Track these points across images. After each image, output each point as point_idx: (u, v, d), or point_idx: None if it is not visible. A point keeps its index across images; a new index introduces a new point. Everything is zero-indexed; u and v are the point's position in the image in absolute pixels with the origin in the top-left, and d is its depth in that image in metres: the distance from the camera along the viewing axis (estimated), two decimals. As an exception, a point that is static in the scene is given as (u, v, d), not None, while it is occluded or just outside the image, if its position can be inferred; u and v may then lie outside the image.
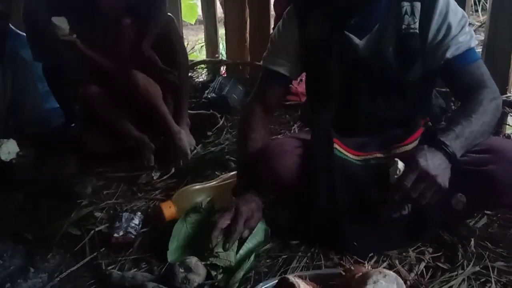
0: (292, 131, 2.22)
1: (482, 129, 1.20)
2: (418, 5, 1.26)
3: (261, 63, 1.51)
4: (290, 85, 1.56)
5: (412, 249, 1.26)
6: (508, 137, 1.92)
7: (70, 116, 2.22)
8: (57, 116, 2.23)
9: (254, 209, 1.28)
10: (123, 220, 1.43)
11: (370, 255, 1.24)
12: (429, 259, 1.22)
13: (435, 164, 1.12)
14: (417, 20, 1.27)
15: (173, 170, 1.82)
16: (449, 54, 1.26)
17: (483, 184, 1.21)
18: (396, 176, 1.12)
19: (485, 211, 1.41)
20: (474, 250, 1.22)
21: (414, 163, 1.12)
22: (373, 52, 1.29)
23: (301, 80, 2.57)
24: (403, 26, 1.27)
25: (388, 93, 1.32)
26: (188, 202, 1.47)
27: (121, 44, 1.93)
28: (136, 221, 1.44)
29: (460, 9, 1.30)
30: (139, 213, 1.48)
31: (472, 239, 1.26)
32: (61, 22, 1.75)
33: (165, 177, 1.80)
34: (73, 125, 2.20)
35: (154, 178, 1.79)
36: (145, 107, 1.94)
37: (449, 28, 1.26)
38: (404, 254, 1.24)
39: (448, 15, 1.26)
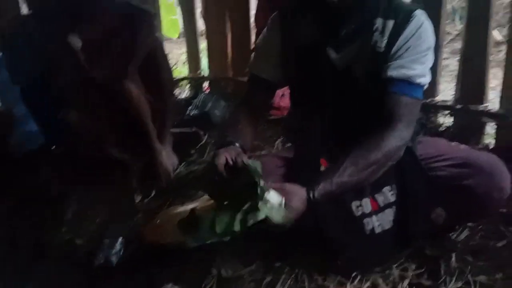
0: (275, 146, 2.22)
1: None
2: (390, 23, 1.24)
3: (243, 78, 1.51)
4: (276, 90, 1.54)
5: (395, 265, 1.26)
6: (486, 147, 1.95)
7: (51, 138, 2.19)
8: (33, 139, 2.20)
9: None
10: (105, 246, 1.41)
11: (353, 274, 1.23)
12: (412, 276, 1.22)
13: (297, 216, 1.13)
14: (385, 39, 1.24)
15: (154, 192, 1.80)
16: (388, 74, 1.22)
17: (462, 198, 1.23)
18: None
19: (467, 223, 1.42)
20: (456, 265, 1.23)
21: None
22: (347, 67, 1.29)
23: (283, 94, 2.59)
24: (371, 44, 1.25)
25: (363, 109, 1.31)
26: (171, 225, 1.45)
27: (107, 66, 1.92)
28: (118, 246, 1.42)
29: (430, 40, 1.24)
30: (120, 238, 1.46)
31: (453, 254, 1.26)
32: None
33: (146, 199, 1.78)
34: (53, 147, 2.17)
35: (136, 201, 1.77)
36: (132, 121, 1.91)
37: (406, 50, 1.22)
38: (387, 271, 1.24)
39: (412, 38, 1.22)
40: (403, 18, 1.23)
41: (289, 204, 1.12)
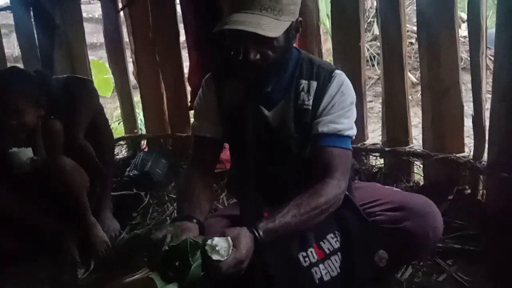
0: (220, 201, 2.21)
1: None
2: (314, 84, 1.34)
3: (182, 133, 1.51)
4: (223, 146, 1.54)
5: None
6: (417, 184, 2.08)
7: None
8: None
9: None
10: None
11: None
12: (364, 321, 1.25)
13: (249, 254, 1.13)
14: (311, 98, 1.33)
15: (92, 265, 1.72)
16: (319, 130, 1.30)
17: (401, 240, 1.29)
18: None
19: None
20: (403, 306, 1.28)
21: (239, 261, 1.10)
22: (279, 124, 1.36)
23: (224, 147, 2.62)
24: (299, 102, 1.34)
25: (296, 162, 1.37)
26: (117, 300, 1.37)
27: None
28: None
29: (352, 96, 1.34)
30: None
31: (400, 296, 1.32)
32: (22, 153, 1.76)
33: (86, 273, 1.68)
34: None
35: (79, 276, 1.67)
36: (66, 196, 1.84)
37: (332, 106, 1.31)
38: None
39: (336, 95, 1.31)
40: (325, 79, 1.34)
41: (239, 246, 1.11)
